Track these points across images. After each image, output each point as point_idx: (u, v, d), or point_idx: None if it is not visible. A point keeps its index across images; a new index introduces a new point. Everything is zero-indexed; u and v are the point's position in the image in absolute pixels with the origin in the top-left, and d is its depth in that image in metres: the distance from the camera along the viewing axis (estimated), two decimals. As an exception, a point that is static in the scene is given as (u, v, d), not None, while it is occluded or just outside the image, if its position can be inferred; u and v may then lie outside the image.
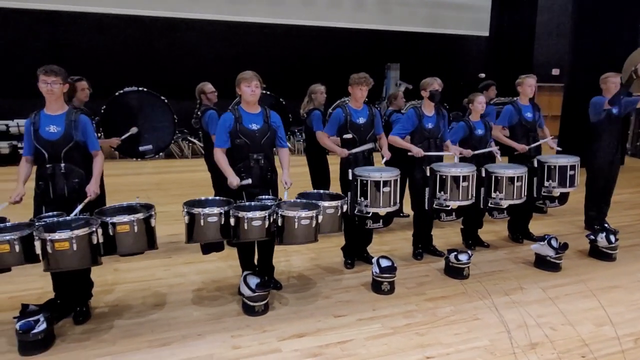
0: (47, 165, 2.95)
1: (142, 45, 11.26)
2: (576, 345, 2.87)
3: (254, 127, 3.39)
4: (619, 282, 3.83)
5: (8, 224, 2.75)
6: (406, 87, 13.80)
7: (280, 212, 2.97)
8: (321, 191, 3.55)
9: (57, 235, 2.59)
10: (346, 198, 3.38)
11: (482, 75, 13.74)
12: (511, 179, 4.14)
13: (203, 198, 3.22)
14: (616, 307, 3.39)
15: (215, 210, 2.96)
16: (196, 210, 2.93)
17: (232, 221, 2.94)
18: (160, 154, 5.06)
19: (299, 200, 3.29)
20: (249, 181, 3.27)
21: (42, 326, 2.77)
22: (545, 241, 4.06)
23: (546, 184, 4.37)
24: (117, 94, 4.77)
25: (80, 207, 2.91)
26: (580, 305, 3.41)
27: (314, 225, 3.01)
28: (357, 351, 2.80)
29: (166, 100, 4.97)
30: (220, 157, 3.36)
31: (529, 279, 3.90)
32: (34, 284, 3.58)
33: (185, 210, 2.98)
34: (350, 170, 3.80)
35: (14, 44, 10.12)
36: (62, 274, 3.06)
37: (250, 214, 2.91)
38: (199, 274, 3.93)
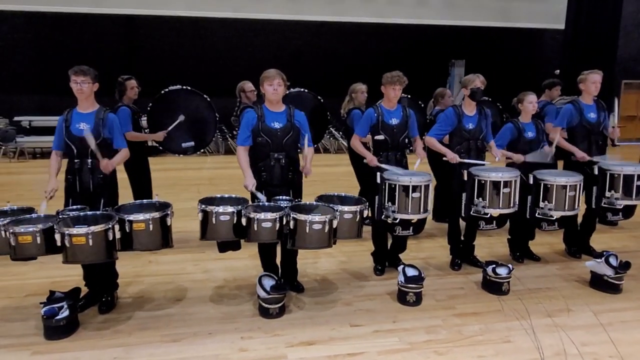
0: (76, 160, 3.10)
1: (189, 45, 11.80)
2: (622, 383, 2.47)
3: (277, 125, 3.32)
4: (692, 311, 3.28)
5: (34, 216, 2.91)
6: (472, 85, 13.15)
7: (292, 215, 2.87)
8: (343, 194, 3.39)
9: (74, 230, 2.69)
10: (366, 203, 3.19)
11: (557, 72, 12.67)
12: (563, 188, 3.70)
13: (219, 195, 3.21)
14: (684, 341, 2.90)
15: (228, 209, 2.92)
16: (209, 208, 2.92)
17: (243, 221, 2.89)
18: (201, 150, 5.18)
19: (315, 202, 3.16)
20: (264, 198, 3.18)
21: (65, 313, 2.90)
22: (603, 258, 3.58)
23: (607, 194, 3.86)
24: (162, 91, 4.94)
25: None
26: (637, 335, 2.95)
27: (327, 229, 2.87)
28: (365, 366, 2.63)
29: (209, 99, 5.06)
30: (241, 155, 3.33)
31: (580, 299, 3.46)
32: (77, 270, 3.80)
33: (199, 207, 2.98)
34: (378, 173, 3.60)
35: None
36: (89, 265, 3.21)
37: (260, 215, 2.84)
38: (225, 271, 3.95)
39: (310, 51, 12.69)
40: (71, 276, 3.54)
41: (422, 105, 6.21)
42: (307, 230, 2.83)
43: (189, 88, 5.02)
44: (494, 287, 3.55)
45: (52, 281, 3.52)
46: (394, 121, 3.78)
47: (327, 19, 11.81)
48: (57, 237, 2.68)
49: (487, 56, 13.48)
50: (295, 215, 2.86)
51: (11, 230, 2.66)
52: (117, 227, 2.80)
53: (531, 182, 3.84)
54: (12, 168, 9.62)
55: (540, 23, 12.35)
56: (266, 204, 3.08)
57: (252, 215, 2.85)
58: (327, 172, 7.94)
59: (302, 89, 5.47)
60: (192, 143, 4.95)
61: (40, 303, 2.98)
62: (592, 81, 4.12)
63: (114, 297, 3.34)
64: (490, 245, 4.64)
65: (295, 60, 12.36)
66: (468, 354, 2.74)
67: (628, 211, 4.00)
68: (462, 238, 4.11)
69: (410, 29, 12.43)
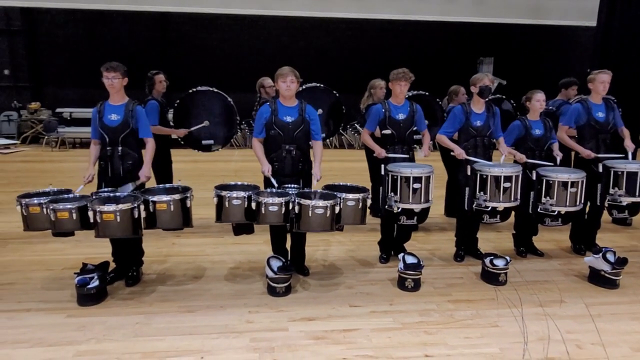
0: (107, 148, 3.47)
1: (217, 42, 12.23)
2: (598, 367, 2.62)
3: (288, 119, 3.58)
4: (686, 307, 3.35)
5: (70, 196, 3.30)
6: (499, 83, 13.03)
7: (297, 200, 3.14)
8: (349, 184, 3.63)
9: (105, 208, 3.05)
10: (369, 192, 3.43)
11: (589, 70, 12.39)
12: (564, 184, 3.81)
13: (233, 183, 3.52)
14: (670, 333, 2.99)
15: (241, 194, 3.23)
16: (223, 193, 3.23)
17: (253, 205, 3.18)
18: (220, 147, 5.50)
19: (320, 190, 3.42)
20: (276, 184, 3.46)
21: (95, 283, 3.28)
22: (601, 254, 3.68)
23: (611, 191, 3.94)
24: (190, 90, 5.28)
25: (131, 186, 3.37)
26: (623, 326, 3.07)
27: (328, 214, 3.12)
28: (358, 340, 2.87)
29: (232, 102, 5.35)
30: (256, 146, 3.62)
31: (575, 293, 3.58)
32: (107, 248, 4.20)
33: (215, 192, 3.30)
34: (382, 165, 3.82)
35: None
36: (117, 243, 3.59)
37: (268, 200, 3.13)
38: (241, 254, 4.27)
39: (337, 48, 12.91)
40: (102, 253, 3.93)
41: (439, 101, 6.33)
42: (310, 215, 3.10)
43: (215, 90, 5.34)
44: (491, 277, 3.71)
45: (86, 257, 3.91)
46: (401, 116, 3.99)
47: (354, 16, 11.98)
48: (90, 214, 3.04)
49: (516, 54, 13.35)
50: (299, 201, 3.14)
51: (51, 207, 3.05)
52: (142, 207, 3.15)
53: (534, 178, 3.97)
54: (54, 157, 10.33)
55: (572, 20, 12.11)
56: (274, 190, 3.37)
57: (260, 199, 3.14)
58: (350, 167, 8.17)
59: (318, 84, 5.71)
60: (212, 141, 5.29)
61: (75, 273, 3.37)
62: (600, 81, 4.19)
63: (139, 273, 3.71)
64: (498, 240, 4.78)
65: (322, 57, 12.62)
66: (455, 335, 2.94)
67: (634, 208, 4.06)
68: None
69: (438, 26, 12.43)
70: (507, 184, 3.72)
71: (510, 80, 12.39)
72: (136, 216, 3.12)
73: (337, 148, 11.75)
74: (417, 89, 5.31)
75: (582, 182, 3.86)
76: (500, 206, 3.79)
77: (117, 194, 3.33)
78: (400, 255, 3.67)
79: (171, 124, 5.16)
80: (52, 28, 12.28)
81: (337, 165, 9.07)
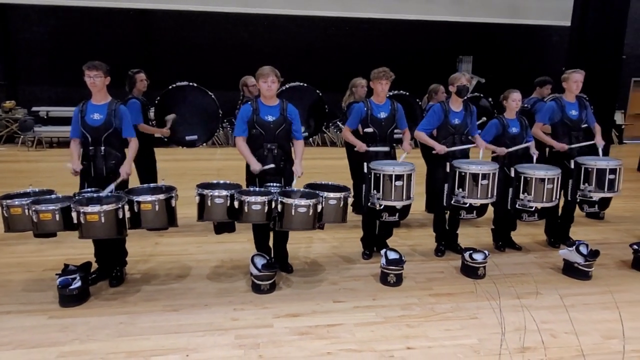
0: (90, 148, 3.45)
1: (200, 39, 12.19)
2: (571, 355, 2.74)
3: (270, 118, 3.62)
4: (654, 296, 3.52)
5: (53, 197, 3.27)
6: (478, 81, 13.27)
7: (280, 199, 3.18)
8: (330, 183, 3.69)
9: (89, 209, 3.03)
10: (350, 191, 3.49)
11: (564, 69, 12.72)
12: (541, 181, 3.95)
13: (215, 181, 3.54)
14: (638, 322, 3.14)
15: (223, 192, 3.25)
16: (205, 192, 3.25)
17: (235, 204, 3.21)
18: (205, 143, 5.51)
19: (302, 189, 3.46)
20: (272, 166, 3.51)
21: (77, 284, 3.26)
22: (574, 247, 3.82)
23: (582, 187, 4.09)
24: (169, 87, 5.27)
25: (112, 185, 3.35)
26: (595, 316, 3.21)
27: (311, 213, 3.17)
28: (341, 334, 2.93)
29: (213, 96, 5.36)
30: (241, 144, 3.64)
31: (550, 284, 3.72)
32: (90, 249, 4.16)
33: (197, 191, 3.31)
34: (365, 164, 3.89)
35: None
36: (100, 243, 3.57)
37: (251, 198, 3.16)
38: (225, 253, 4.29)
39: (319, 46, 12.94)
40: (83, 254, 3.89)
41: (419, 101, 6.45)
42: (293, 213, 3.14)
43: (194, 85, 5.34)
44: (470, 271, 3.82)
45: (67, 258, 3.87)
46: (382, 115, 4.06)
47: (336, 15, 12.04)
48: (74, 215, 3.02)
49: (494, 52, 13.60)
50: (282, 199, 3.18)
51: (34, 209, 3.02)
52: (126, 207, 3.14)
53: (512, 175, 4.09)
54: (30, 156, 10.11)
55: (547, 20, 12.41)
56: (256, 189, 3.40)
57: (243, 198, 3.17)
58: (331, 165, 8.21)
59: (302, 84, 5.74)
60: (196, 136, 5.28)
61: (56, 274, 3.34)
62: (574, 80, 4.34)
63: (123, 273, 3.70)
64: (478, 235, 4.91)
65: (304, 55, 12.64)
66: (436, 328, 3.03)
67: (604, 203, 4.22)
68: (447, 227, 4.38)
69: (418, 25, 12.57)
70: (485, 181, 3.83)
71: (489, 79, 12.64)
72: (120, 216, 3.11)
73: (319, 146, 11.80)
74: (398, 87, 5.37)
75: (558, 178, 4.00)
76: (478, 202, 3.90)
77: (100, 194, 3.31)
78: (383, 251, 3.75)
79: (152, 122, 5.14)
80: (28, 25, 11.99)
81: (320, 163, 9.11)
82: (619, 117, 13.91)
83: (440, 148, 4.04)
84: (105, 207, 3.06)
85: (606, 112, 11.11)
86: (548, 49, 13.44)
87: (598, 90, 10.59)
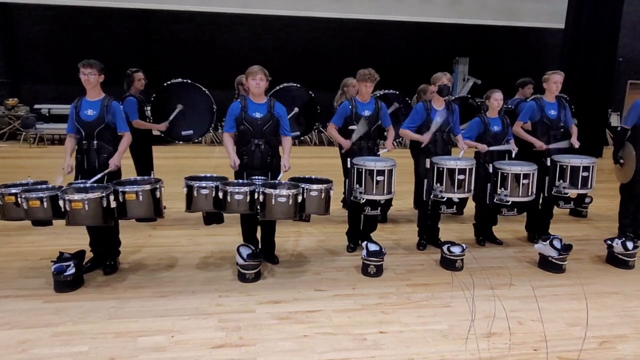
0: (84, 142, 3.62)
1: (198, 39, 12.34)
2: (534, 340, 2.89)
3: (257, 115, 3.78)
4: (621, 288, 3.67)
5: (42, 186, 3.45)
6: (474, 82, 13.41)
7: (261, 190, 3.35)
8: (314, 177, 3.85)
9: (75, 196, 3.20)
10: (332, 183, 3.66)
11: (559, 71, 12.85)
12: (517, 176, 4.10)
13: (202, 174, 3.71)
14: (603, 311, 3.29)
15: (209, 183, 3.42)
16: (192, 183, 3.42)
17: (220, 194, 3.38)
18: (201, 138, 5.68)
19: (286, 182, 3.63)
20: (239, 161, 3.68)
21: (71, 270, 3.43)
22: (548, 241, 3.98)
23: (557, 183, 4.25)
24: (165, 84, 5.44)
25: (99, 175, 3.51)
26: (563, 305, 3.36)
27: (291, 203, 3.34)
28: (319, 319, 3.09)
29: (207, 92, 5.53)
30: (226, 140, 3.82)
31: (524, 277, 3.87)
32: (85, 239, 4.32)
33: (185, 183, 3.48)
34: (348, 159, 4.05)
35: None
36: (95, 233, 3.74)
37: (234, 189, 3.33)
38: (214, 245, 4.46)
39: (315, 47, 13.12)
40: (79, 245, 4.05)
41: (409, 100, 6.61)
42: (273, 203, 3.31)
43: (189, 81, 5.51)
44: (449, 263, 3.98)
45: (63, 248, 4.03)
46: (367, 113, 4.22)
47: (333, 16, 12.19)
48: (60, 202, 3.20)
49: (490, 54, 13.75)
50: (263, 190, 3.35)
51: (23, 196, 3.20)
52: (111, 197, 3.30)
53: (490, 170, 4.25)
54: (32, 153, 10.31)
55: (542, 22, 12.55)
56: (240, 180, 3.58)
57: (226, 189, 3.34)
58: (327, 164, 8.37)
59: (295, 84, 5.91)
60: (191, 131, 5.45)
61: (51, 261, 3.52)
62: (553, 81, 4.50)
63: (116, 262, 3.87)
64: (460, 230, 5.07)
65: (299, 55, 12.82)
66: (410, 314, 3.19)
67: (579, 199, 4.37)
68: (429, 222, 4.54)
69: (414, 27, 12.73)
70: (462, 176, 3.98)
71: (485, 80, 12.78)
72: (105, 205, 3.27)
73: (316, 145, 11.97)
74: (395, 89, 5.53)
75: (534, 174, 4.15)
76: (455, 197, 4.06)
77: (86, 184, 3.46)
78: (364, 244, 3.91)
79: (150, 120, 5.31)
80: (31, 24, 12.21)
81: (316, 161, 9.28)
82: (615, 119, 14.01)
83: (422, 137, 4.20)
84: (90, 195, 3.22)
85: (600, 113, 11.27)
86: (543, 51, 13.59)
87: (592, 92, 10.76)
